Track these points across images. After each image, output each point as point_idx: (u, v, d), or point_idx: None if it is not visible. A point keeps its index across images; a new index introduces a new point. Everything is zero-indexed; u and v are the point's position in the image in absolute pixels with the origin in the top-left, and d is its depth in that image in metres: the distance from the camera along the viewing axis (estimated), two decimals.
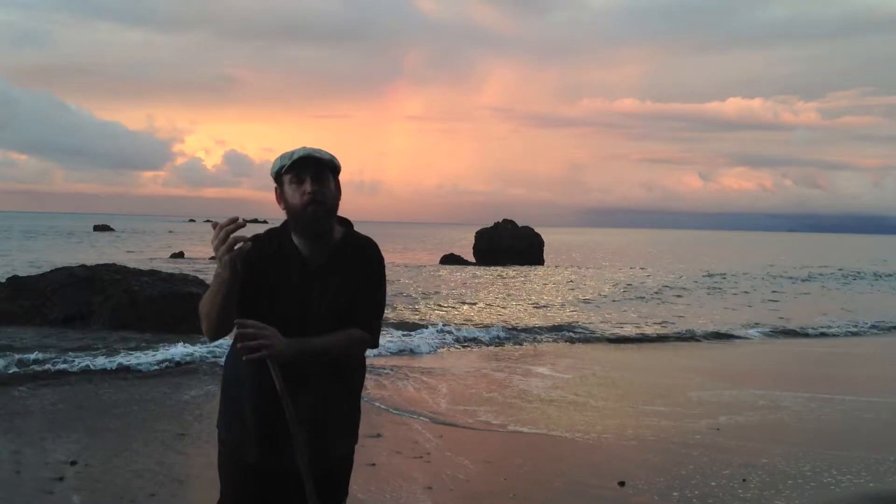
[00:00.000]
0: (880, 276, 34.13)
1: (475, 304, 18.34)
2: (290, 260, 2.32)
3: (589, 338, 13.15)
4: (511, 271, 30.09)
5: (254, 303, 2.25)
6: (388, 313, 13.64)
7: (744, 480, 5.24)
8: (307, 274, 2.31)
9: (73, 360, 9.08)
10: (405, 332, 12.36)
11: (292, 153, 2.28)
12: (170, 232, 74.07)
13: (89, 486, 4.88)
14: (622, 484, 5.08)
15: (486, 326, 13.72)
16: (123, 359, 9.29)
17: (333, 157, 2.33)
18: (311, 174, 2.25)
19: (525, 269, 31.53)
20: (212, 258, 34.42)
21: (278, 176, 2.31)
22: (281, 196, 2.32)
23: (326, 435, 2.34)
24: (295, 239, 2.34)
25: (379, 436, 6.10)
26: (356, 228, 2.47)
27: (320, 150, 2.32)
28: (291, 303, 2.29)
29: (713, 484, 5.15)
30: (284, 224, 2.38)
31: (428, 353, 11.03)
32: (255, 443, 2.30)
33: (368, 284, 2.40)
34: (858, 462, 5.71)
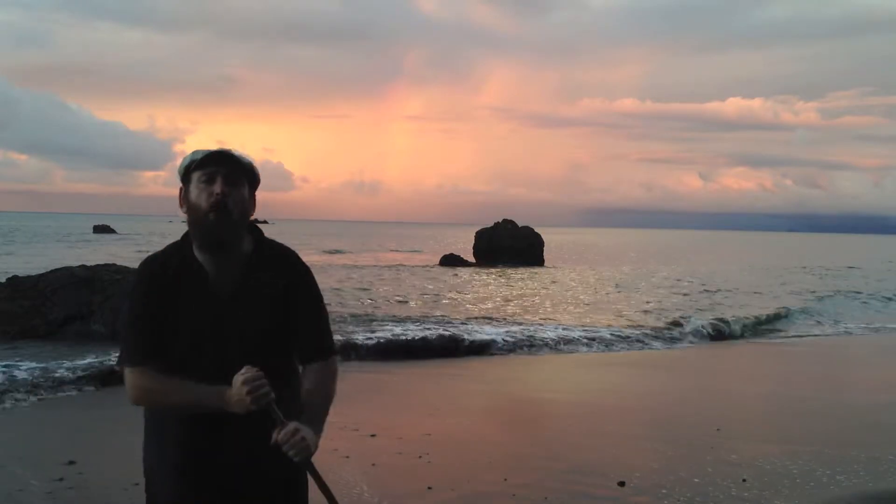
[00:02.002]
0: None
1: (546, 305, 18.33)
2: (195, 285, 2.02)
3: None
4: (516, 272, 30.10)
5: (170, 344, 2.00)
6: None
7: (744, 480, 5.24)
8: (215, 298, 2.03)
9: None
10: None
11: (199, 152, 2.02)
12: (169, 222, 73.79)
13: (89, 486, 4.88)
14: (622, 484, 5.08)
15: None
16: None
17: (254, 165, 2.08)
18: (224, 174, 1.98)
19: (537, 269, 31.54)
20: None
21: (186, 174, 2.02)
22: (184, 199, 2.03)
23: (256, 482, 2.09)
24: (198, 254, 2.04)
25: (374, 436, 6.10)
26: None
27: (241, 153, 2.05)
28: (208, 339, 2.01)
29: (713, 484, 5.15)
30: (184, 237, 2.09)
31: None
32: (176, 474, 2.05)
33: (308, 302, 2.14)
34: (858, 462, 5.71)
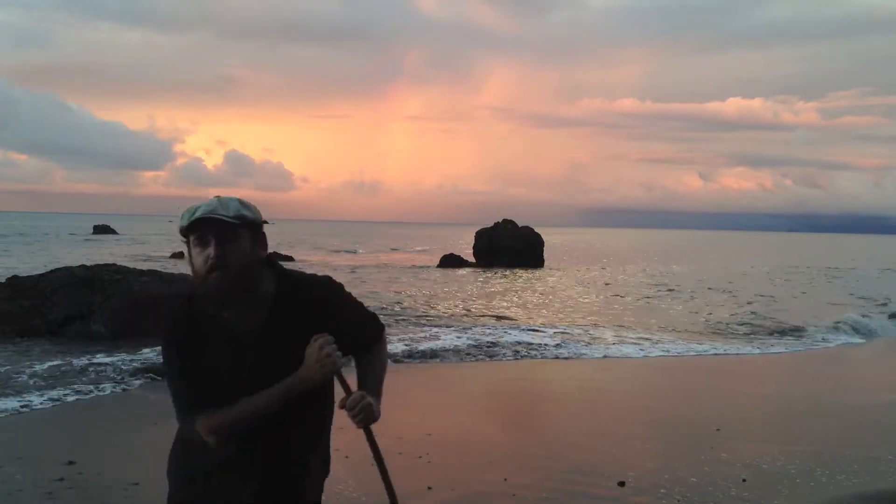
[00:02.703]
0: None
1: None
2: (219, 337, 2.02)
3: None
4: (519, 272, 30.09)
5: (212, 392, 1.99)
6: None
7: (744, 480, 5.24)
8: (244, 349, 2.02)
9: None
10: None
11: (193, 212, 1.96)
12: (169, 222, 73.75)
13: (89, 486, 4.88)
14: (622, 484, 5.08)
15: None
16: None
17: (247, 211, 2.00)
18: (215, 235, 1.94)
19: (537, 271, 31.52)
20: None
21: (184, 234, 2.00)
22: (189, 258, 2.01)
23: (308, 473, 2.15)
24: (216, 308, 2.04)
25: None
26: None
27: (232, 203, 1.99)
28: (245, 383, 2.00)
29: (713, 484, 5.15)
30: (193, 294, 2.08)
31: None
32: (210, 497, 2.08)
33: (342, 312, 2.16)
34: (858, 462, 5.71)
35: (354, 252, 47.55)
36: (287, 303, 2.07)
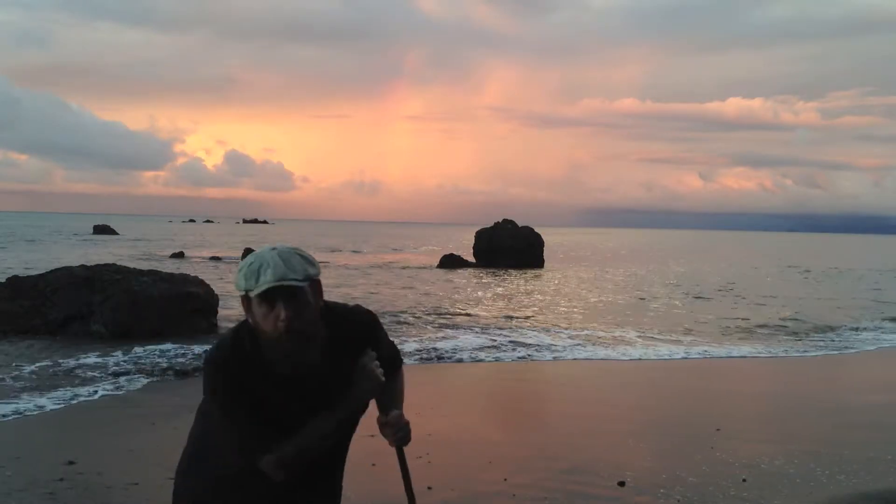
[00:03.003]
0: None
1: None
2: (276, 384, 1.97)
3: None
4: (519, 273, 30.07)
5: (265, 429, 1.97)
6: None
7: (744, 480, 5.24)
8: (305, 390, 2.00)
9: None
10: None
11: (258, 274, 1.88)
12: (169, 221, 73.61)
13: (89, 486, 4.88)
14: (622, 484, 5.08)
15: None
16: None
17: (312, 268, 1.95)
18: (283, 299, 1.87)
19: (539, 271, 31.52)
20: (213, 258, 33.73)
21: (245, 289, 1.94)
22: (248, 310, 1.95)
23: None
24: (269, 354, 1.97)
25: (373, 436, 6.10)
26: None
27: (296, 261, 1.92)
28: (302, 418, 1.99)
29: (713, 484, 5.15)
30: (245, 328, 2.00)
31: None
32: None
33: (382, 342, 2.19)
34: (857, 462, 5.72)
35: (361, 252, 47.43)
36: (338, 342, 2.05)
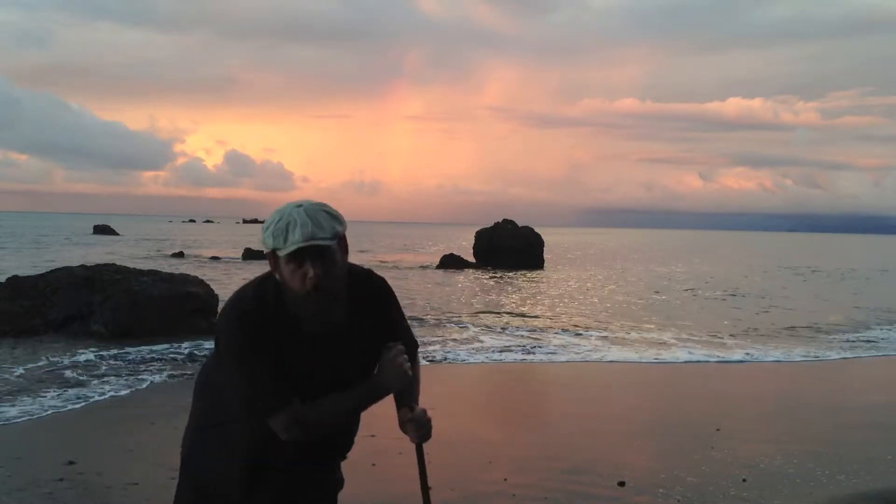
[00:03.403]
0: None
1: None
2: (299, 339, 1.98)
3: None
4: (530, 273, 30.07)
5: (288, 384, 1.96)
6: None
7: (744, 480, 5.24)
8: (319, 345, 2.00)
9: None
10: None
11: (286, 233, 1.86)
12: (169, 221, 73.52)
13: (89, 486, 4.88)
14: (622, 484, 5.08)
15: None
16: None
17: (339, 225, 1.94)
18: (312, 258, 1.88)
19: (538, 273, 31.50)
20: (213, 258, 33.66)
21: (272, 246, 1.92)
22: (275, 267, 1.95)
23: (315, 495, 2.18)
24: (294, 308, 1.97)
25: (373, 436, 6.10)
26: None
27: (324, 219, 1.90)
28: (323, 374, 2.00)
29: (713, 484, 5.15)
30: (270, 279, 2.00)
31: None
32: (238, 484, 2.05)
33: (396, 314, 2.21)
34: (857, 462, 5.72)
35: (370, 251, 47.30)
36: (359, 300, 2.08)
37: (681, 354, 11.46)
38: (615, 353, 11.46)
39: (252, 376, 1.94)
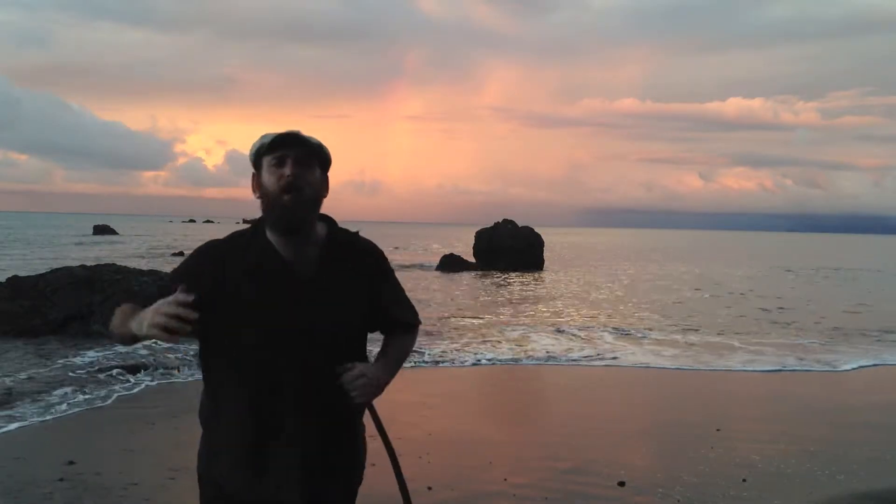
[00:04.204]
0: None
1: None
2: (270, 267, 1.99)
3: None
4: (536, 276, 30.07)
5: (235, 326, 1.96)
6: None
7: (744, 480, 5.24)
8: (297, 283, 1.99)
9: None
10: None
11: (269, 136, 2.00)
12: (170, 221, 73.43)
13: (89, 486, 4.88)
14: (622, 484, 5.08)
15: None
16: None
17: (324, 146, 2.05)
18: (294, 157, 1.97)
19: (538, 274, 31.50)
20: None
21: (257, 159, 2.02)
22: (258, 184, 2.03)
23: (325, 473, 2.08)
24: (271, 235, 2.02)
25: (373, 436, 6.10)
26: (359, 232, 2.20)
27: (309, 135, 2.03)
28: (285, 320, 1.97)
29: (713, 484, 5.15)
30: (257, 223, 2.07)
31: None
32: (242, 468, 2.01)
33: (389, 282, 2.18)
34: (857, 462, 5.72)
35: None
36: (337, 248, 2.09)
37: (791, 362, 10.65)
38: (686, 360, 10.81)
39: (161, 282, 2.06)
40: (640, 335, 13.18)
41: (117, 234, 63.64)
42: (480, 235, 34.18)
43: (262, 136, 2.01)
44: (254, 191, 2.04)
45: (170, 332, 1.75)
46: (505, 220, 34.24)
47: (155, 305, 1.81)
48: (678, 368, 10.21)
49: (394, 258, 39.24)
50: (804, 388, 9.07)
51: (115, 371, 8.88)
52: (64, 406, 7.25)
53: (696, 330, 14.20)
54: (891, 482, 5.24)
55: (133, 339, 1.91)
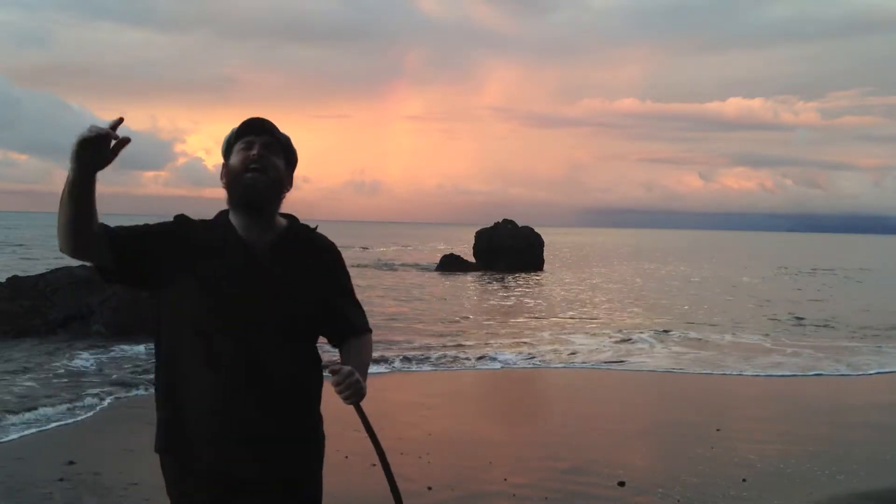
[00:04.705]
0: None
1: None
2: (228, 245, 2.07)
3: None
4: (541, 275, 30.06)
5: (187, 297, 2.02)
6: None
7: (744, 480, 5.24)
8: (252, 259, 2.06)
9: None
10: None
11: (238, 126, 2.13)
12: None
13: (89, 486, 4.88)
14: (622, 484, 5.08)
15: None
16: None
17: (291, 141, 2.17)
18: (262, 142, 2.08)
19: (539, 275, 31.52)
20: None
21: (229, 148, 2.12)
22: (226, 171, 2.11)
23: (280, 438, 2.08)
24: (233, 219, 2.10)
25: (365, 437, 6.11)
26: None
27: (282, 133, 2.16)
28: (235, 294, 2.02)
29: (713, 484, 5.15)
30: (220, 212, 2.16)
31: None
32: (207, 444, 2.04)
33: (343, 282, 2.23)
34: (857, 461, 5.72)
35: (369, 249, 47.08)
36: (295, 240, 2.15)
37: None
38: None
39: (132, 227, 2.09)
40: (637, 337, 13.18)
41: None
42: (480, 235, 34.17)
43: (230, 133, 2.13)
44: (221, 178, 2.12)
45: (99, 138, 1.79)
46: (505, 220, 34.23)
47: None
48: (705, 373, 9.90)
49: (394, 258, 39.31)
50: (804, 388, 9.07)
51: (115, 371, 8.88)
52: (63, 406, 7.25)
53: (735, 331, 13.93)
54: (891, 482, 5.24)
55: (73, 190, 1.86)
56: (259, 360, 2.02)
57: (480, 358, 10.59)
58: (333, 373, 2.01)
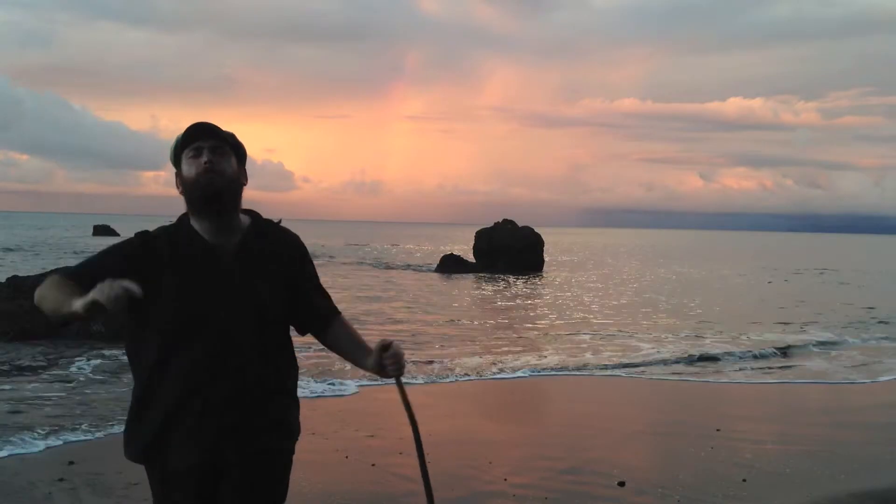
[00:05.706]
0: None
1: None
2: (194, 252, 2.09)
3: None
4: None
5: (159, 309, 2.03)
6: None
7: (744, 480, 5.24)
8: (220, 263, 2.10)
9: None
10: None
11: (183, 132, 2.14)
12: (169, 222, 73.14)
13: (89, 486, 4.88)
14: (622, 484, 5.08)
15: None
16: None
17: (236, 137, 2.20)
18: (209, 146, 2.10)
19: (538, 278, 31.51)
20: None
21: (177, 158, 2.14)
22: (180, 181, 2.13)
23: (253, 424, 2.12)
24: (196, 224, 2.13)
25: (373, 436, 6.10)
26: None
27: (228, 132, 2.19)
28: (204, 301, 2.06)
29: (713, 484, 5.15)
30: (181, 217, 2.18)
31: None
32: (185, 438, 2.11)
33: (310, 272, 2.29)
34: (858, 461, 5.72)
35: (369, 248, 46.93)
36: (258, 236, 2.19)
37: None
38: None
39: (102, 256, 2.13)
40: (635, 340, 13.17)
41: (118, 234, 63.57)
42: (480, 235, 34.16)
43: (174, 142, 2.15)
44: (177, 187, 2.15)
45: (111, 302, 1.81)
46: (505, 220, 34.21)
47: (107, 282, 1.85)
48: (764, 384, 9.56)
49: (393, 258, 39.30)
50: (805, 389, 9.07)
51: (114, 371, 8.89)
52: (64, 406, 7.25)
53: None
54: (891, 482, 5.25)
55: (69, 317, 1.96)
56: (236, 363, 2.09)
57: (481, 359, 10.53)
58: (385, 347, 2.16)
